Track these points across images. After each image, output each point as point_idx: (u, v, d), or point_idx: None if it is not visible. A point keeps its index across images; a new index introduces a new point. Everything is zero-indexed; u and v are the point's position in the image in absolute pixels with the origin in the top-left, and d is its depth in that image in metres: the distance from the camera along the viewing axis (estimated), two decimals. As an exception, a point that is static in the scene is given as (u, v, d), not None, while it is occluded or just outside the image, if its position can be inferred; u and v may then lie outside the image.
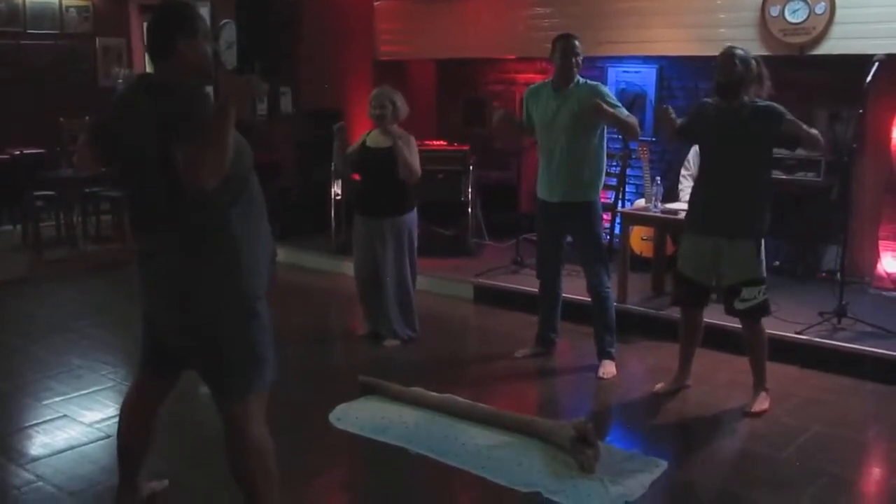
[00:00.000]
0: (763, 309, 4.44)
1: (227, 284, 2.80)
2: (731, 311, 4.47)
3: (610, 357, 5.12)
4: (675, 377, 4.79)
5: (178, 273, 2.81)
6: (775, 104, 4.33)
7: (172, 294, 2.84)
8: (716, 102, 4.46)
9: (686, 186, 6.55)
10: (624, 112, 4.89)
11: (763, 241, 4.43)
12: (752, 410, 4.47)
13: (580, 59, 4.92)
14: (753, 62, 4.35)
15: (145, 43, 2.86)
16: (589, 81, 4.99)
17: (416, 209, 5.58)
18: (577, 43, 4.91)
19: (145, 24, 2.86)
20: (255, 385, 2.87)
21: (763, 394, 4.53)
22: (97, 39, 10.19)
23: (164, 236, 2.81)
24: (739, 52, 4.36)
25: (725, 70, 4.31)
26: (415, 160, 5.36)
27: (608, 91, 5.01)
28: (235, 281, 2.81)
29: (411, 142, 5.40)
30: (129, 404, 3.22)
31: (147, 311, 3.02)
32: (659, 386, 4.79)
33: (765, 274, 4.44)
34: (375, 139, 5.43)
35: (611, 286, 5.18)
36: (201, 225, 2.76)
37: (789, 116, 4.30)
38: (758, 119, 4.30)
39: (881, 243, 6.28)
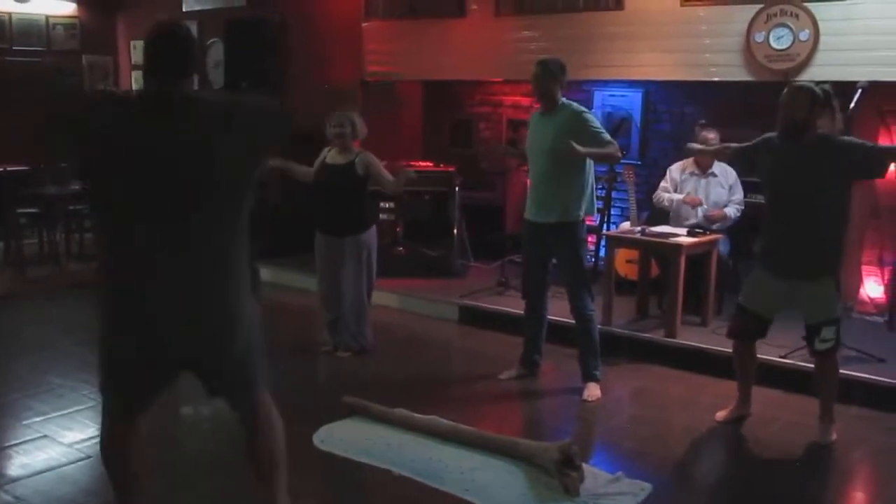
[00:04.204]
0: (837, 345, 4.37)
1: (235, 286, 2.90)
2: (812, 351, 4.41)
3: (594, 379, 5.10)
4: (736, 406, 4.70)
5: (191, 281, 2.84)
6: (853, 139, 4.20)
7: (187, 304, 2.85)
8: (782, 139, 4.29)
9: (663, 198, 6.40)
10: (603, 140, 4.84)
11: (840, 279, 4.32)
12: (829, 442, 4.40)
13: (549, 83, 4.89)
14: (821, 95, 4.14)
15: (168, 60, 2.82)
16: (574, 106, 4.96)
17: (374, 227, 5.74)
18: (548, 67, 4.90)
19: (165, 42, 2.84)
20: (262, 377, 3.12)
21: (833, 426, 4.46)
22: (83, 57, 10.17)
23: (167, 249, 2.82)
24: (806, 87, 4.17)
25: (791, 111, 4.14)
26: (388, 175, 5.58)
27: (591, 117, 4.95)
28: (241, 283, 2.92)
29: (373, 159, 5.55)
30: (111, 451, 3.11)
31: (142, 337, 3.01)
32: (720, 414, 4.70)
33: (840, 312, 4.35)
34: (334, 157, 5.60)
35: (594, 308, 5.17)
36: (207, 236, 2.82)
37: (866, 143, 4.18)
38: (837, 157, 4.13)
39: (864, 268, 6.33)
